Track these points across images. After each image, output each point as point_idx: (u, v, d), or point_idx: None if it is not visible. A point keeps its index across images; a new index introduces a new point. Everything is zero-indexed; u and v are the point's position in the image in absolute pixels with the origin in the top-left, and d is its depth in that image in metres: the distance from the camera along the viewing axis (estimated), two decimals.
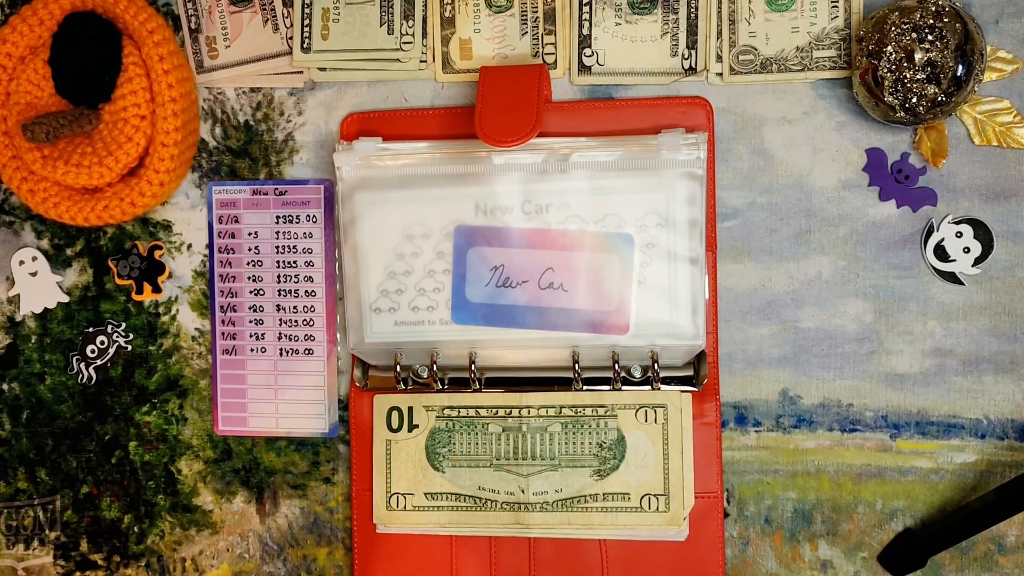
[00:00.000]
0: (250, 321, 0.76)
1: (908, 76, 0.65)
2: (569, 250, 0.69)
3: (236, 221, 0.76)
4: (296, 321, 0.75)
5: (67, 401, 0.78)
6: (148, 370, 0.77)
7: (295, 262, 0.75)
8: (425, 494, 0.73)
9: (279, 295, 0.75)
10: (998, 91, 0.69)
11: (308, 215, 0.75)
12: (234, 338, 0.76)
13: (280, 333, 0.75)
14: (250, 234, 0.76)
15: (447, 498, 0.73)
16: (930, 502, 0.71)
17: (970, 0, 0.69)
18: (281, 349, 0.75)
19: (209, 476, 0.77)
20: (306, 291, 0.75)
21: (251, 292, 0.76)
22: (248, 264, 0.76)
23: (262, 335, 0.76)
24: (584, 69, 0.72)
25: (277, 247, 0.75)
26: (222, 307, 0.76)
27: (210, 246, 0.76)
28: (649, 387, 0.70)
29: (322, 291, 0.75)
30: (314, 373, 0.75)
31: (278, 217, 0.75)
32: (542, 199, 0.69)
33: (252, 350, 0.76)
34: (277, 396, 0.76)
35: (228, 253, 0.76)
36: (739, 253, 0.72)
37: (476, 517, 0.72)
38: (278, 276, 0.75)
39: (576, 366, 0.70)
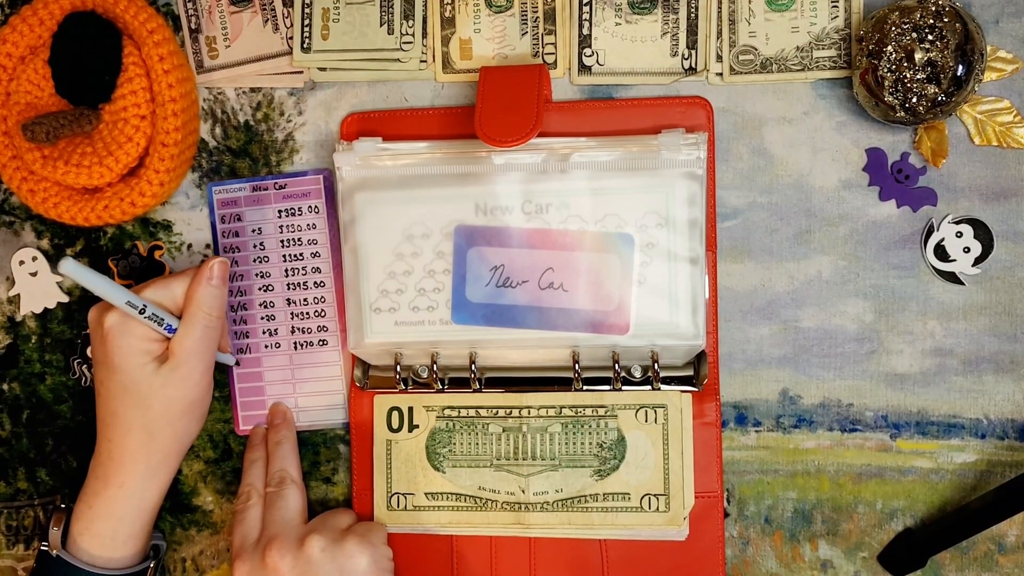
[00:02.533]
0: (262, 318, 0.76)
1: (908, 76, 0.65)
2: (569, 250, 0.69)
3: (239, 219, 0.76)
4: (308, 313, 0.75)
5: (67, 401, 0.78)
6: None
7: (301, 254, 0.75)
8: (425, 494, 0.73)
9: (288, 289, 0.75)
10: (998, 91, 0.69)
11: (310, 206, 0.75)
12: (247, 336, 0.76)
13: (293, 327, 0.75)
14: (254, 231, 0.76)
15: (447, 498, 0.73)
16: (930, 502, 0.71)
17: (970, 0, 0.69)
18: (295, 343, 0.76)
19: (209, 476, 0.77)
20: (315, 282, 0.75)
21: (260, 288, 0.76)
22: (255, 261, 0.76)
23: (275, 331, 0.76)
24: (584, 69, 0.72)
25: (282, 241, 0.75)
26: (233, 307, 0.76)
27: (215, 248, 0.76)
28: (649, 387, 0.70)
29: (331, 281, 0.75)
30: (330, 364, 0.75)
31: (280, 211, 0.75)
32: (542, 199, 0.69)
33: (266, 347, 0.76)
34: (296, 390, 0.76)
35: (234, 252, 0.76)
36: (739, 253, 0.72)
37: (477, 517, 0.72)
38: (285, 270, 0.75)
39: (576, 366, 0.70)
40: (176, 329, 0.68)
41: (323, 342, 0.75)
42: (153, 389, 0.67)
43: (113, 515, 0.69)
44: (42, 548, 0.70)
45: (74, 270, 0.64)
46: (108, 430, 0.69)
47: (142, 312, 0.67)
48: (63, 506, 0.71)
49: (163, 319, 0.67)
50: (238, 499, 0.73)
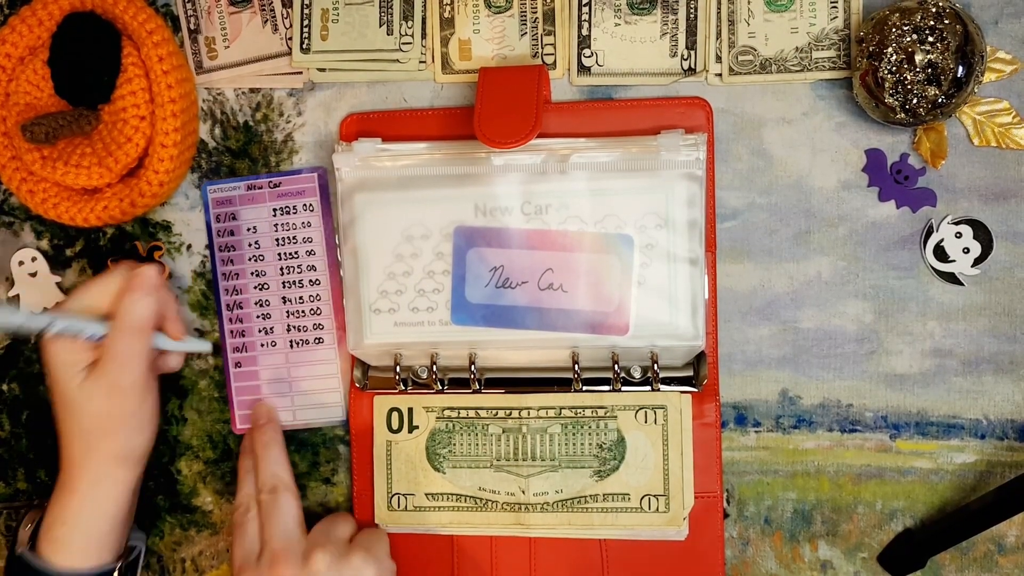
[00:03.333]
0: (257, 316, 0.76)
1: (908, 77, 0.65)
2: (569, 251, 0.69)
3: (234, 218, 0.76)
4: (303, 312, 0.75)
5: None
6: None
7: (296, 253, 0.75)
8: (426, 494, 0.73)
9: (284, 287, 0.75)
10: (997, 92, 0.69)
11: (305, 204, 0.75)
12: (243, 335, 0.76)
13: (289, 325, 0.75)
14: (249, 230, 0.76)
15: (448, 498, 0.73)
16: (930, 502, 0.71)
17: (970, 1, 0.69)
18: (291, 341, 0.76)
19: (209, 476, 0.77)
20: (310, 280, 0.75)
21: (256, 287, 0.76)
22: (250, 260, 0.76)
23: (271, 329, 0.76)
24: (583, 70, 0.72)
25: (277, 239, 0.75)
26: (228, 306, 0.76)
27: (210, 247, 0.76)
28: (649, 388, 0.70)
29: (326, 279, 0.75)
30: (326, 362, 0.75)
31: (275, 210, 0.75)
32: (541, 200, 0.69)
33: (262, 345, 0.76)
34: (292, 389, 0.76)
35: (229, 251, 0.76)
36: (739, 253, 0.72)
37: (477, 517, 0.72)
38: (281, 268, 0.75)
39: (576, 367, 0.70)
40: (102, 335, 0.66)
41: (319, 340, 0.75)
42: (82, 404, 0.66)
43: (68, 520, 0.68)
44: (12, 547, 0.70)
45: None
46: (61, 437, 0.69)
47: (50, 330, 0.64)
48: (35, 503, 0.71)
49: (82, 331, 0.65)
50: (236, 510, 0.71)
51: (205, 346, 0.75)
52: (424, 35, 0.73)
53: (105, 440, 0.67)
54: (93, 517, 0.69)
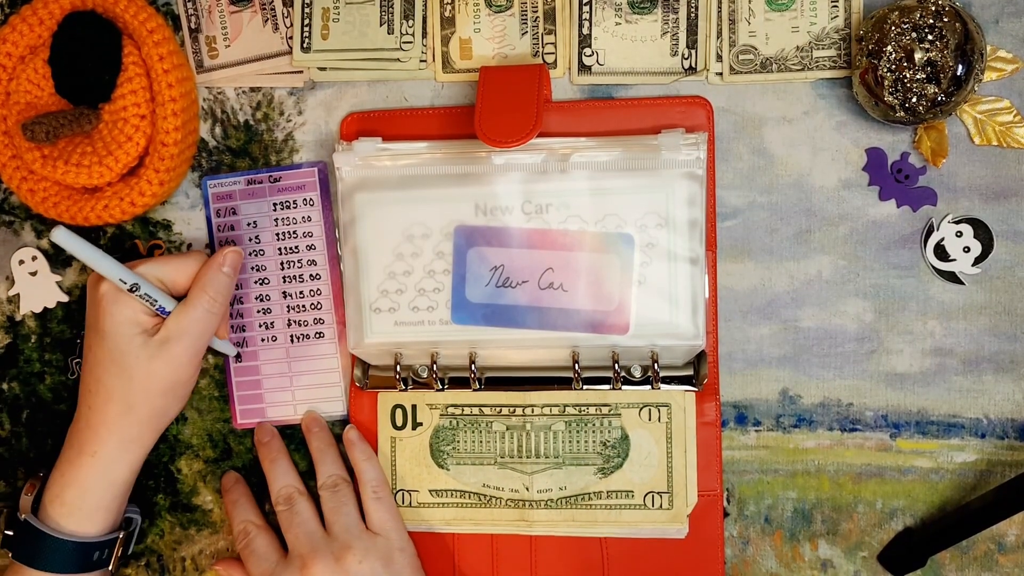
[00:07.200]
0: (258, 311, 0.76)
1: (908, 76, 0.65)
2: (569, 250, 0.69)
3: (234, 213, 0.76)
4: (304, 306, 0.75)
5: (67, 401, 0.78)
6: None
7: (296, 247, 0.75)
8: (430, 491, 0.73)
9: (284, 282, 0.75)
10: (998, 91, 0.69)
11: (305, 199, 0.75)
12: (244, 330, 0.76)
13: (289, 320, 0.75)
14: (249, 224, 0.76)
15: (452, 495, 0.73)
16: (930, 502, 0.71)
17: (970, 0, 0.69)
18: (292, 335, 0.76)
19: (209, 476, 0.77)
20: (311, 275, 0.75)
21: (256, 282, 0.76)
22: (250, 254, 0.76)
23: (271, 324, 0.76)
24: (584, 69, 0.72)
25: (277, 234, 0.75)
26: (229, 301, 0.76)
27: (211, 242, 0.76)
28: (649, 387, 0.70)
29: (326, 273, 0.75)
30: (327, 356, 0.75)
31: (275, 204, 0.75)
32: (542, 199, 0.69)
33: (263, 340, 0.76)
34: (293, 383, 0.76)
35: (230, 246, 0.76)
36: (739, 253, 0.72)
37: (481, 514, 0.72)
38: (281, 263, 0.75)
39: (576, 366, 0.70)
40: (169, 312, 0.68)
41: (319, 335, 0.75)
42: (139, 361, 0.67)
43: (82, 484, 0.68)
44: (15, 514, 0.70)
45: (66, 240, 0.64)
46: (89, 397, 0.69)
47: (133, 290, 0.66)
48: (40, 474, 0.71)
49: (156, 300, 0.67)
50: (237, 539, 0.73)
51: (231, 350, 0.75)
52: (425, 34, 0.73)
53: (148, 403, 0.68)
54: (108, 482, 0.69)
